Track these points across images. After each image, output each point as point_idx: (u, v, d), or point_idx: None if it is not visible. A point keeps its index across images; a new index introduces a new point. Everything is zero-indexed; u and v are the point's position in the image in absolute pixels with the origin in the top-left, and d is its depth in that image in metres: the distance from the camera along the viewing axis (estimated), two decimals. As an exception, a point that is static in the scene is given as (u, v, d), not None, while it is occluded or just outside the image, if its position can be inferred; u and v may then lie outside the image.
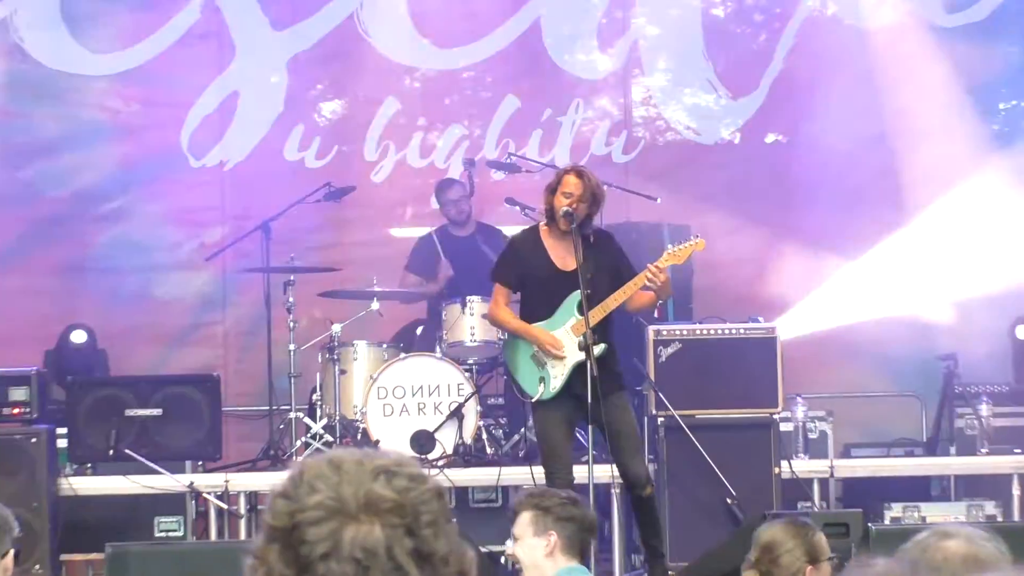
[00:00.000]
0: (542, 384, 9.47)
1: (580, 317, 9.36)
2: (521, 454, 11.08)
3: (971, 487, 11.53)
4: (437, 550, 2.27)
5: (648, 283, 9.32)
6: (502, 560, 8.86)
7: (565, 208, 9.32)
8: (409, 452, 10.97)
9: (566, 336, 9.45)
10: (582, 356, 9.27)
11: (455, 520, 2.32)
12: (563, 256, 9.47)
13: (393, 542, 2.24)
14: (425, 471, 2.34)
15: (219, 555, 8.97)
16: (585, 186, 9.38)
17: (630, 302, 9.46)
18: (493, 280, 9.85)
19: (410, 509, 2.27)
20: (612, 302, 9.37)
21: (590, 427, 9.54)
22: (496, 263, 9.87)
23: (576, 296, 9.39)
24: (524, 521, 6.43)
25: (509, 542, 6.58)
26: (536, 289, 9.56)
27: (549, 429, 9.49)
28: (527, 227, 9.95)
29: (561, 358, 9.42)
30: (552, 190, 9.44)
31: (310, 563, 2.24)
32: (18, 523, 5.99)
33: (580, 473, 9.53)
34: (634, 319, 10.69)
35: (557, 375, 9.46)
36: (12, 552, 5.75)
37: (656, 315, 10.85)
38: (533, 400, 9.56)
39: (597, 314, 9.31)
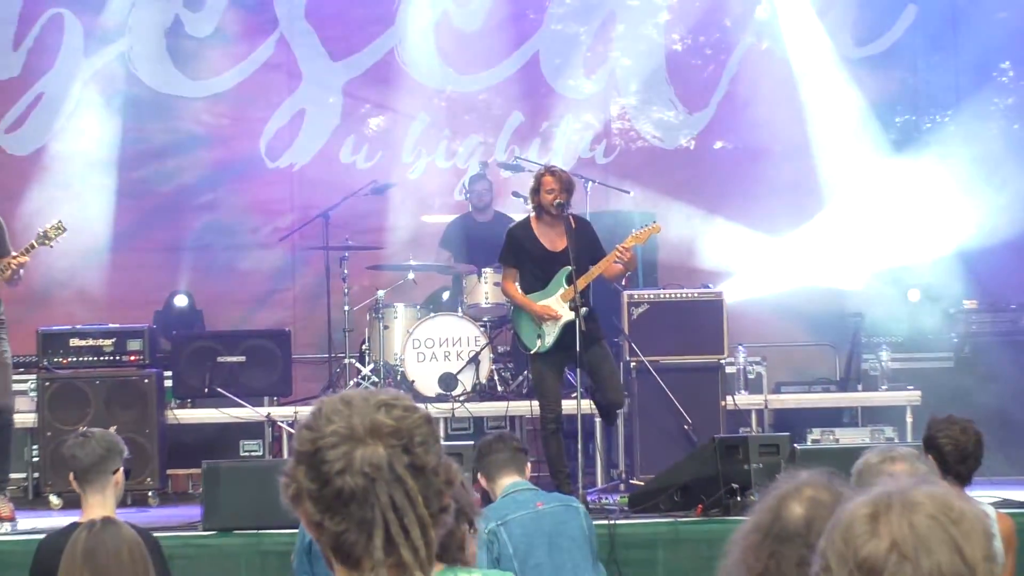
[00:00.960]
0: (539, 339, 9.45)
1: (568, 287, 9.36)
2: (524, 391, 11.10)
3: (874, 416, 11.52)
4: (428, 463, 2.27)
5: (617, 259, 9.33)
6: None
7: (558, 201, 9.31)
8: (437, 390, 11.04)
9: (556, 302, 9.44)
10: (571, 316, 9.26)
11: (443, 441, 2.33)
12: (553, 240, 9.45)
13: (393, 459, 2.24)
14: (416, 403, 2.34)
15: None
16: (560, 180, 9.37)
17: (604, 273, 9.45)
18: (500, 263, 9.80)
19: (405, 432, 2.27)
20: (592, 274, 9.37)
21: (578, 371, 9.55)
22: (502, 250, 9.70)
23: (565, 271, 9.38)
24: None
25: None
26: (532, 267, 9.50)
27: (543, 374, 9.46)
28: (521, 219, 9.90)
29: (557, 318, 9.41)
30: (536, 191, 9.42)
31: (330, 478, 2.23)
32: (132, 446, 6.00)
33: (569, 406, 9.55)
34: (611, 286, 10.71)
35: (551, 332, 9.42)
36: (122, 470, 5.76)
37: (624, 284, 10.88)
38: (532, 352, 9.55)
39: (582, 283, 9.31)
